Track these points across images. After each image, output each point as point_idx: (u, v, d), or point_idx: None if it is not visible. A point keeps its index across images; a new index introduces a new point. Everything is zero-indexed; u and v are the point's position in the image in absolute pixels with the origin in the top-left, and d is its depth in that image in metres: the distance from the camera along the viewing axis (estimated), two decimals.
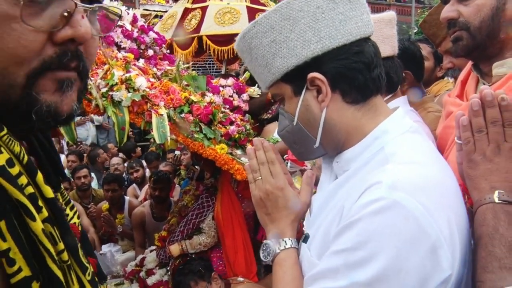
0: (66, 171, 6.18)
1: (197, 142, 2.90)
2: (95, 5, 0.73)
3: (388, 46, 1.74)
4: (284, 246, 1.14)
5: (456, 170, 1.12)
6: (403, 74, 1.91)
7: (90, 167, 6.52)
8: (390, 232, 0.88)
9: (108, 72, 2.76)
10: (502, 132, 0.99)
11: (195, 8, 4.32)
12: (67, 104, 0.72)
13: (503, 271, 0.88)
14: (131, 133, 8.82)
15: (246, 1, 4.37)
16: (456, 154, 1.13)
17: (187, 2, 4.48)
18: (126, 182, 6.39)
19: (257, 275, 3.44)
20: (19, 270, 0.64)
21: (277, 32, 1.04)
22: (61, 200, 0.92)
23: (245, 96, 3.55)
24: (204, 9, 4.26)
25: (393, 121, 1.07)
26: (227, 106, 3.39)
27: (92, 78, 2.69)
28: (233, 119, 3.22)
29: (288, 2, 1.02)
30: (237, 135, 3.12)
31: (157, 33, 3.37)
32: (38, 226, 0.67)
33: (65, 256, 0.72)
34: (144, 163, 6.36)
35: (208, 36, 4.07)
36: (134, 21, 3.21)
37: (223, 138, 3.05)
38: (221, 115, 3.10)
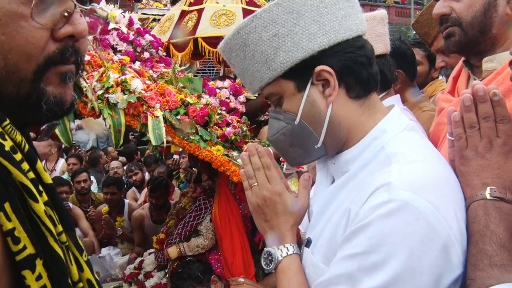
0: (65, 175, 6.19)
1: (193, 144, 2.90)
2: (89, 6, 0.81)
3: (381, 44, 1.75)
4: (287, 253, 1.11)
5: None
6: (396, 73, 1.92)
7: (91, 169, 6.54)
8: (402, 233, 0.88)
9: (104, 75, 2.76)
10: (494, 128, 0.99)
11: (192, 11, 4.34)
12: (69, 94, 0.80)
13: (493, 269, 0.87)
14: (131, 136, 8.85)
15: (242, 3, 4.39)
16: (448, 151, 1.12)
17: (184, 5, 4.50)
18: (125, 185, 6.41)
19: (255, 277, 3.43)
20: (24, 248, 0.67)
21: (280, 25, 1.01)
22: None
23: (241, 98, 3.55)
24: (200, 11, 4.28)
25: (391, 120, 1.07)
26: (224, 108, 3.39)
27: (87, 81, 2.69)
28: (230, 121, 3.22)
29: None
30: (233, 137, 3.12)
31: (153, 35, 3.38)
32: (40, 207, 0.71)
33: (63, 237, 0.76)
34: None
35: (204, 38, 4.09)
36: (130, 24, 3.22)
37: (219, 139, 3.05)
38: (217, 117, 3.10)
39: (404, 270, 0.87)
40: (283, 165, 3.31)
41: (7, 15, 0.68)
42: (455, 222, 0.92)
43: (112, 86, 2.72)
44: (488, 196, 0.95)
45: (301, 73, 1.03)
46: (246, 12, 4.18)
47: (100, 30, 0.89)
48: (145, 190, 5.45)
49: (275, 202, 1.12)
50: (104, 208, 5.12)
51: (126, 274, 3.88)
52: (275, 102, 1.09)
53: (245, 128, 3.32)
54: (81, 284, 0.79)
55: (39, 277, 0.68)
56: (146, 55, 3.20)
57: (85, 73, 2.73)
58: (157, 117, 2.79)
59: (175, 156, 5.74)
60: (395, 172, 0.94)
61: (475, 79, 1.50)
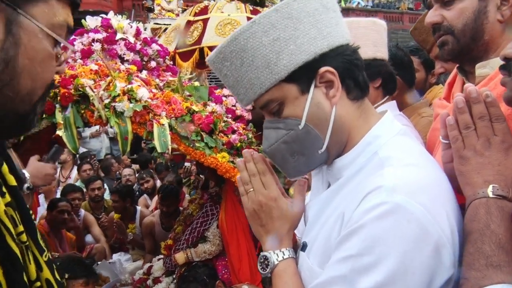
0: (78, 182, 6.29)
1: (198, 151, 2.95)
2: (62, 52, 0.94)
3: (387, 50, 1.78)
4: (282, 257, 1.13)
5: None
6: None
7: (104, 177, 6.64)
8: (394, 235, 0.90)
9: (111, 84, 2.83)
10: (491, 127, 1.00)
11: (197, 21, 4.40)
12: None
13: (489, 269, 0.86)
14: (144, 144, 8.96)
15: (246, 12, 4.43)
16: (442, 153, 1.14)
17: (189, 15, 4.57)
18: (137, 193, 6.50)
19: (262, 283, 3.44)
20: None
21: (281, 30, 1.02)
22: None
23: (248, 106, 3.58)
24: (205, 21, 4.34)
25: (384, 124, 1.10)
26: (230, 115, 3.43)
27: (95, 90, 2.76)
28: (235, 128, 3.25)
29: (287, 2, 1.04)
30: (239, 144, 3.16)
31: (160, 45, 3.45)
32: (0, 207, 0.76)
33: (24, 237, 0.81)
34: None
35: (209, 47, 4.14)
36: (137, 34, 3.29)
37: (225, 146, 3.09)
38: (222, 124, 3.14)
39: (397, 272, 0.89)
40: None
41: (47, 55, 0.85)
42: (447, 224, 0.94)
43: (118, 95, 2.79)
44: (490, 194, 0.94)
45: (304, 75, 1.04)
46: None
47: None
48: (156, 197, 5.51)
49: (270, 207, 1.14)
50: (115, 215, 5.20)
51: (136, 280, 3.93)
52: (272, 110, 1.07)
53: (250, 135, 3.35)
54: (38, 283, 0.83)
55: None
56: (153, 64, 3.26)
57: (92, 82, 2.80)
58: (163, 125, 2.85)
59: (187, 164, 5.79)
60: (388, 176, 0.96)
61: None
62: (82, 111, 2.73)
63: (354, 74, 1.08)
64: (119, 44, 3.11)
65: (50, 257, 0.92)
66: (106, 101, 2.76)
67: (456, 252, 0.94)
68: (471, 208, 0.96)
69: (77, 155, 7.45)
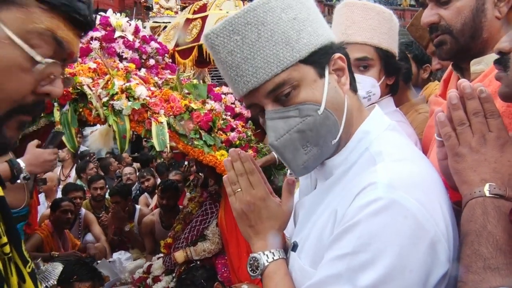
0: (78, 181, 6.29)
1: (197, 149, 2.95)
2: (71, 76, 0.93)
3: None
4: (273, 258, 1.09)
5: (437, 167, 1.12)
6: None
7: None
8: (391, 231, 0.88)
9: (109, 82, 2.83)
10: (485, 122, 0.97)
11: (196, 18, 4.41)
12: (15, 138, 0.84)
13: (487, 272, 0.84)
14: (145, 143, 8.96)
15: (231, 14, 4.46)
16: (436, 151, 1.12)
17: (188, 13, 4.58)
18: (138, 191, 6.50)
19: (262, 281, 3.44)
20: None
21: (297, 11, 0.99)
22: None
23: None
24: (204, 19, 4.35)
25: (373, 120, 1.08)
26: (229, 113, 3.43)
27: (93, 88, 2.76)
28: (234, 126, 3.25)
29: None
30: (238, 142, 3.16)
31: (159, 43, 3.44)
32: None
33: (7, 249, 0.79)
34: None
35: None
36: (136, 31, 3.29)
37: (224, 144, 3.08)
38: (221, 122, 3.14)
39: (394, 268, 0.87)
40: (286, 170, 3.32)
41: (12, 65, 0.77)
42: (442, 218, 0.92)
43: (117, 93, 2.79)
44: (487, 193, 0.91)
45: (322, 58, 1.01)
46: None
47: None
48: (156, 196, 5.51)
49: (259, 207, 1.10)
50: None
51: (135, 278, 3.93)
52: (282, 94, 0.98)
53: (250, 133, 3.35)
54: None
55: None
56: (152, 62, 3.26)
57: (90, 80, 2.80)
58: (161, 123, 2.85)
59: (186, 162, 5.80)
60: (381, 171, 0.94)
61: None
62: (80, 110, 2.73)
63: (351, 66, 1.08)
64: (118, 42, 3.11)
65: (34, 267, 0.90)
66: (104, 99, 2.76)
67: (451, 246, 0.93)
68: (468, 208, 0.93)
69: (78, 153, 7.47)
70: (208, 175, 3.67)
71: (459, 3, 1.33)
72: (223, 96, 3.51)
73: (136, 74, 3.05)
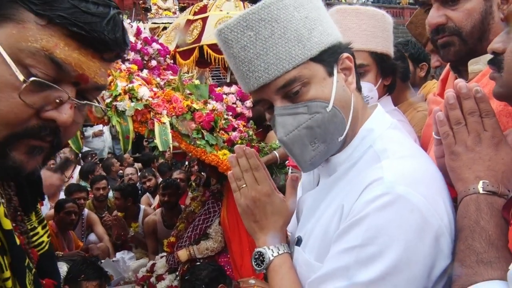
0: (82, 182, 6.33)
1: (199, 148, 2.99)
2: (84, 102, 0.81)
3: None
4: (278, 252, 1.11)
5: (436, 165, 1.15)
6: None
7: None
8: (397, 225, 0.90)
9: (112, 83, 2.86)
10: (481, 122, 1.00)
11: (197, 19, 4.45)
12: (31, 164, 0.79)
13: (479, 266, 0.86)
14: (146, 143, 9.00)
15: (245, 9, 4.49)
16: (434, 149, 1.15)
17: (189, 14, 4.62)
18: (140, 191, 6.53)
19: (264, 279, 3.48)
20: None
21: (308, 10, 1.01)
22: (34, 219, 1.01)
23: (248, 103, 3.62)
24: (204, 20, 4.39)
25: (377, 118, 1.11)
26: (231, 113, 3.47)
27: None
28: (236, 126, 3.29)
29: None
30: (239, 141, 3.20)
31: (161, 44, 3.48)
32: None
33: (9, 283, 0.78)
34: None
35: (209, 45, 4.19)
36: (138, 33, 3.32)
37: (226, 144, 3.13)
38: (223, 122, 3.18)
39: (400, 261, 0.89)
40: (288, 168, 3.36)
41: (3, 83, 0.72)
42: (445, 213, 0.95)
43: (120, 94, 2.82)
44: (480, 190, 0.94)
45: (331, 57, 1.03)
46: None
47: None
48: (158, 196, 5.55)
49: (264, 202, 1.12)
50: (120, 213, 5.25)
51: (139, 277, 3.97)
52: (292, 91, 1.00)
53: (251, 132, 3.39)
54: None
55: None
56: (154, 63, 3.30)
57: None
58: (164, 123, 2.89)
59: (187, 162, 5.84)
60: (387, 167, 0.97)
61: None
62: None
63: (356, 66, 1.10)
64: None
65: None
66: (108, 100, 2.79)
67: (453, 240, 0.96)
68: (463, 204, 0.95)
69: (80, 154, 7.51)
70: (210, 174, 3.70)
71: (468, 5, 1.32)
72: (224, 96, 3.55)
73: (138, 75, 3.09)
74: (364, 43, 1.70)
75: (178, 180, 5.42)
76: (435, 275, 0.93)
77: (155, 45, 3.38)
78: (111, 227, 5.17)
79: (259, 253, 1.12)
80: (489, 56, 1.38)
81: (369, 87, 1.72)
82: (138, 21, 3.79)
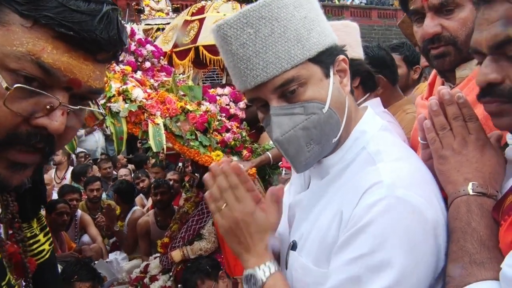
0: (74, 184, 6.32)
1: (193, 149, 3.01)
2: (78, 107, 0.76)
3: (361, 50, 1.84)
4: (270, 272, 1.05)
5: None
6: (377, 78, 2.00)
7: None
8: (402, 229, 0.91)
9: (106, 85, 2.88)
10: (465, 126, 1.03)
11: (194, 20, 4.49)
12: (16, 179, 0.76)
13: (473, 267, 0.88)
14: (139, 144, 8.99)
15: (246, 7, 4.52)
16: (421, 152, 1.18)
17: (187, 15, 4.66)
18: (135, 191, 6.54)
19: None
20: None
21: (307, 10, 1.01)
22: (35, 226, 0.99)
23: (241, 104, 3.64)
24: (201, 21, 4.43)
25: (368, 120, 1.12)
26: (224, 114, 3.49)
27: None
28: (229, 127, 3.32)
29: None
30: (232, 142, 3.22)
31: (154, 45, 3.50)
32: None
33: None
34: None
35: (204, 46, 4.22)
36: (131, 35, 3.34)
37: (219, 145, 3.15)
38: (216, 123, 3.20)
39: (409, 264, 0.90)
40: (281, 170, 3.39)
41: None
42: (440, 211, 0.98)
43: (114, 96, 2.84)
44: (470, 192, 0.96)
45: (328, 59, 1.03)
46: None
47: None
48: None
49: (247, 223, 1.05)
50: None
51: (132, 278, 3.98)
52: (287, 91, 0.99)
53: (244, 134, 3.41)
54: None
55: None
56: (148, 64, 3.32)
57: None
58: (158, 124, 2.91)
59: (180, 164, 5.85)
60: (384, 171, 0.98)
61: (450, 86, 1.55)
62: None
63: (350, 67, 1.11)
64: None
65: None
66: (102, 101, 2.81)
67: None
68: (453, 206, 0.97)
69: (73, 155, 7.48)
70: (204, 175, 3.72)
71: (462, 14, 1.30)
72: (218, 97, 3.58)
73: (132, 77, 3.11)
74: None
75: (172, 181, 5.45)
76: (438, 273, 0.95)
77: (149, 47, 3.40)
78: (103, 227, 5.18)
79: (250, 275, 1.06)
80: (475, 61, 1.41)
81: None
82: (131, 23, 3.80)
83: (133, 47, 3.28)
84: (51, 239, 1.04)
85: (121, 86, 2.89)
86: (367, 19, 24.04)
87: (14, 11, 0.68)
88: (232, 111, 3.56)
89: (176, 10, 5.90)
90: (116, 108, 2.83)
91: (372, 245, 0.91)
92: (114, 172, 7.40)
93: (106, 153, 8.87)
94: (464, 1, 1.30)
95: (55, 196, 5.35)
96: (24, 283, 0.88)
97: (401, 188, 0.94)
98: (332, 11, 21.98)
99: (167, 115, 2.99)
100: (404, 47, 2.78)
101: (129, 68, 3.14)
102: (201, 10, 4.69)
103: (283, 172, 3.37)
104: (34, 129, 0.72)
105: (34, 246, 0.97)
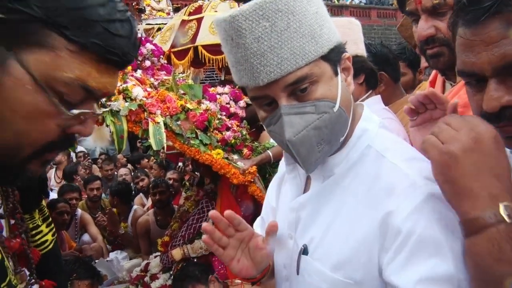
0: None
1: (193, 148, 3.01)
2: (101, 112, 0.83)
3: (364, 47, 1.85)
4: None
5: None
6: (379, 75, 2.01)
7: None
8: (445, 225, 0.90)
9: None
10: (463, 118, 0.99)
11: (191, 20, 4.49)
12: (39, 171, 0.82)
13: None
14: (139, 144, 9.00)
15: None
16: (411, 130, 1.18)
17: (184, 14, 4.65)
18: (133, 192, 6.54)
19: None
20: None
21: (317, 6, 0.98)
22: (37, 217, 1.01)
23: (241, 103, 3.64)
24: (199, 20, 4.43)
25: (368, 118, 1.10)
26: (224, 113, 3.49)
27: None
28: (229, 125, 3.32)
29: None
30: (233, 141, 3.23)
31: (154, 44, 3.50)
32: None
33: None
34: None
35: (203, 46, 4.22)
36: None
37: (219, 143, 3.15)
38: (217, 121, 3.21)
39: (460, 251, 0.88)
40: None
41: (37, 111, 0.73)
42: None
43: (114, 94, 2.84)
44: (507, 219, 0.74)
45: (336, 56, 1.00)
46: None
47: None
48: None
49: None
50: (115, 209, 5.32)
51: (133, 277, 3.98)
52: (298, 89, 0.95)
53: (244, 132, 3.41)
54: None
55: None
56: (148, 63, 3.32)
57: None
58: (158, 123, 2.91)
59: (180, 164, 5.86)
60: (410, 170, 0.97)
61: (451, 84, 1.56)
62: None
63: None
64: None
65: None
66: (102, 100, 2.81)
67: None
68: (485, 239, 0.77)
69: (73, 154, 7.49)
70: (204, 173, 3.73)
71: None
72: (218, 96, 3.58)
73: (132, 76, 3.10)
74: None
75: (172, 181, 5.46)
76: None
77: (149, 46, 3.39)
78: (104, 227, 5.19)
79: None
80: None
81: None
82: None
83: None
84: (54, 229, 1.04)
85: (121, 85, 2.89)
86: (367, 19, 24.02)
87: (61, 35, 0.71)
88: (232, 109, 3.56)
89: (177, 10, 5.90)
90: (116, 106, 2.82)
91: (433, 256, 0.88)
92: (115, 172, 7.40)
93: (106, 152, 8.88)
94: None
95: (54, 195, 5.35)
96: (28, 273, 0.89)
97: (430, 185, 0.92)
98: (332, 11, 21.99)
99: (167, 113, 2.99)
100: (406, 52, 2.78)
101: (129, 67, 3.14)
102: (199, 10, 4.69)
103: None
104: (68, 135, 0.79)
105: (37, 237, 0.98)
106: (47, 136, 0.76)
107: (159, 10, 7.60)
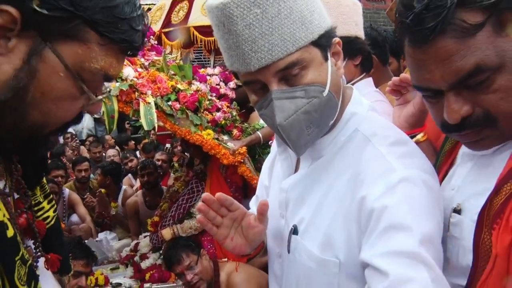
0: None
1: (184, 128, 3.03)
2: (106, 93, 0.94)
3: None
4: None
5: None
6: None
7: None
8: (422, 203, 0.95)
9: None
10: None
11: (183, 0, 4.44)
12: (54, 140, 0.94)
13: None
14: (127, 125, 8.95)
15: None
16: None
17: None
18: (122, 172, 6.54)
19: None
20: None
21: None
22: (38, 193, 1.04)
23: (231, 84, 3.66)
24: (191, 1, 4.39)
25: (356, 101, 1.12)
26: (214, 94, 3.50)
27: None
28: (220, 106, 3.34)
29: None
30: (223, 121, 3.25)
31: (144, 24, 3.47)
32: None
33: None
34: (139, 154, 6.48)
35: (195, 27, 4.19)
36: None
37: (210, 124, 3.17)
38: (207, 102, 3.22)
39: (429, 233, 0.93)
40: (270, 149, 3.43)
41: (65, 95, 0.82)
42: (436, 180, 1.04)
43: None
44: None
45: (326, 42, 1.02)
46: None
47: None
48: None
49: None
50: (103, 190, 5.31)
51: (123, 257, 4.01)
52: (290, 74, 0.98)
53: (234, 113, 3.44)
54: None
55: None
56: None
57: None
58: (149, 103, 2.91)
59: (168, 145, 5.87)
60: (390, 156, 1.01)
61: None
62: None
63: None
64: None
65: None
66: None
67: None
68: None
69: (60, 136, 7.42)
70: (194, 154, 3.74)
71: None
72: (208, 77, 3.58)
73: None
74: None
75: (160, 162, 5.47)
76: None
77: None
78: (93, 208, 5.18)
79: None
80: None
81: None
82: None
83: None
84: (55, 206, 1.06)
85: None
86: None
87: (95, 31, 0.80)
88: (222, 91, 3.57)
89: None
90: (107, 87, 2.82)
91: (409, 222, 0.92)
92: (103, 154, 7.37)
93: (94, 134, 8.82)
94: None
95: None
96: (33, 246, 0.91)
97: (413, 169, 0.98)
98: None
99: (158, 94, 3.00)
100: (388, 41, 2.79)
101: None
102: None
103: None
104: (79, 113, 0.88)
105: (39, 213, 1.00)
106: (70, 116, 0.86)
107: None
